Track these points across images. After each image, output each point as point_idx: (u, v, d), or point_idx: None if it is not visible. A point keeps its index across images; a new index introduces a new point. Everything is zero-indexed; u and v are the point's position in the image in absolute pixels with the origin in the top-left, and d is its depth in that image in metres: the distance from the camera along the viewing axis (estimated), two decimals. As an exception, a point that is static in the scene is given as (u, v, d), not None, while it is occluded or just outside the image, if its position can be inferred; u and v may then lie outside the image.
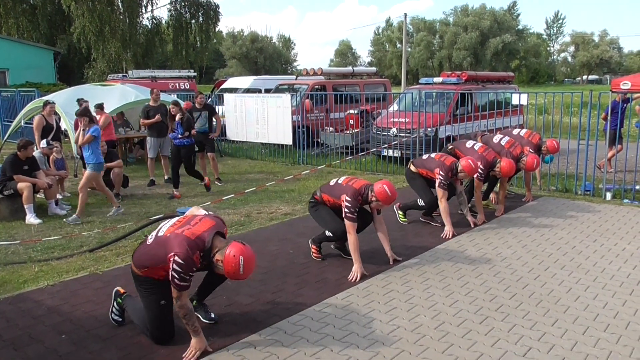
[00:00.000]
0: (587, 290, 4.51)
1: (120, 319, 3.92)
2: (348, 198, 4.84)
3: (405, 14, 39.10)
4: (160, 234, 3.57)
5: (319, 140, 13.04)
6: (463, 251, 5.55)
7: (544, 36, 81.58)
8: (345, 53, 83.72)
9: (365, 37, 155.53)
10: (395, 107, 12.49)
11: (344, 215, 4.89)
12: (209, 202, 7.83)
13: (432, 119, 10.93)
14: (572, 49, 79.38)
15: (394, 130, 11.30)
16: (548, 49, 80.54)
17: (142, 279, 3.61)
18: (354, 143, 12.34)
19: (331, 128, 13.19)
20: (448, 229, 6.11)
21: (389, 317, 4.00)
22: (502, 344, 3.58)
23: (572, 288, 4.55)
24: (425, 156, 6.74)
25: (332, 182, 5.27)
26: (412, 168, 6.68)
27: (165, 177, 9.86)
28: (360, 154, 11.45)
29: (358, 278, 4.74)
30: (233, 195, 8.25)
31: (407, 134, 10.83)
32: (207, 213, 3.79)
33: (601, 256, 5.38)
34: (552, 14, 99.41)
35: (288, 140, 12.14)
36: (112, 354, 3.49)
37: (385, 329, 3.81)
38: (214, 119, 9.97)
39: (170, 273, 3.32)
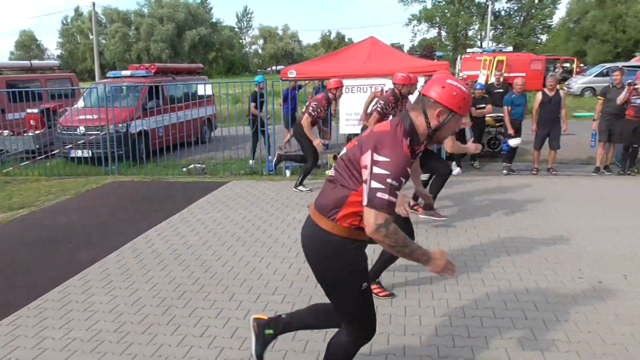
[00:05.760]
0: (262, 260, 5.01)
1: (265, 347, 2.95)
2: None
3: (94, 3, 36.78)
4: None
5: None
6: (150, 246, 5.53)
7: (237, 29, 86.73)
8: (29, 45, 73.76)
9: (54, 27, 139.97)
10: (81, 103, 11.63)
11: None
12: None
13: (122, 114, 10.56)
14: (261, 41, 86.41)
15: (82, 128, 10.55)
16: (241, 41, 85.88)
17: (333, 246, 2.41)
18: (37, 146, 11.05)
19: (7, 131, 11.52)
20: None
21: (65, 331, 3.72)
22: (182, 330, 3.70)
23: (250, 262, 4.99)
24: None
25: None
26: None
27: None
28: (41, 157, 10.30)
29: None
30: None
31: (96, 132, 10.21)
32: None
33: (275, 228, 6.04)
34: (241, 8, 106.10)
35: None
36: None
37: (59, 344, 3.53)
38: None
39: (367, 188, 2.20)
